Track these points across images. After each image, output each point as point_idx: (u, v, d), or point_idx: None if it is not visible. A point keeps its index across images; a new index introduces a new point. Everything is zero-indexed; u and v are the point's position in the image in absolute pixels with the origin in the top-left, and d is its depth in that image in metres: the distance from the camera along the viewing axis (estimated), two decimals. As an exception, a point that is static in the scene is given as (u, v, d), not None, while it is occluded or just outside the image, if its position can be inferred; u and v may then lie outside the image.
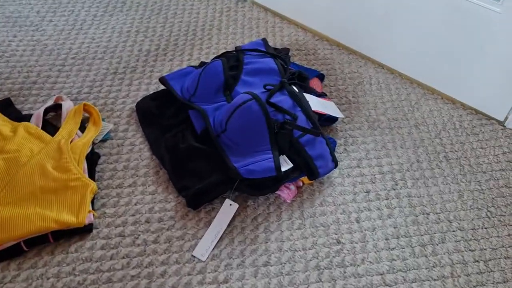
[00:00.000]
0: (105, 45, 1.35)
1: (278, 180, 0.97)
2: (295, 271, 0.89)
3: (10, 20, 1.42)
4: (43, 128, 1.06)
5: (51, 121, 1.11)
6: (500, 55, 1.10)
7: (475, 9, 1.07)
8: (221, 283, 0.87)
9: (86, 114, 1.12)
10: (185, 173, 1.00)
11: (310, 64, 1.32)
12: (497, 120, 1.19)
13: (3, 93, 1.20)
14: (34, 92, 1.21)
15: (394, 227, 0.97)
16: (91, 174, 1.01)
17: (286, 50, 1.28)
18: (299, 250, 0.92)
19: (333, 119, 1.15)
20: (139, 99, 1.18)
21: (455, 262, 0.92)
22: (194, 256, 0.90)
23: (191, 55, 1.33)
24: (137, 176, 1.03)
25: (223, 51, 1.35)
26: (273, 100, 1.02)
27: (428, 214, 0.99)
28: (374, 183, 1.04)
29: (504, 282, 0.89)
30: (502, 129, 1.18)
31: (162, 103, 1.15)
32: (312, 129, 0.99)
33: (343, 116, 1.15)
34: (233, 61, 1.16)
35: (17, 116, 1.11)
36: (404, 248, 0.94)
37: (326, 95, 1.19)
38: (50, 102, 1.12)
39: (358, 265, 0.90)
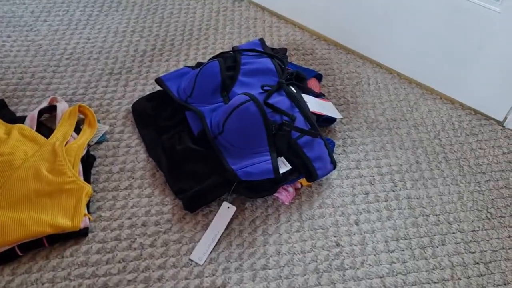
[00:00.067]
0: (100, 45, 1.34)
1: (276, 182, 0.95)
2: (293, 275, 0.88)
3: (4, 20, 1.40)
4: (38, 130, 1.05)
5: (46, 123, 1.10)
6: (500, 55, 1.09)
7: (474, 8, 1.06)
8: (219, 287, 0.86)
9: (81, 116, 1.10)
10: (182, 175, 0.99)
11: (307, 64, 1.31)
12: (496, 120, 1.18)
13: (-3, 94, 1.18)
14: (28, 93, 1.19)
15: (394, 229, 0.96)
16: (87, 177, 0.99)
17: (284, 50, 1.27)
18: (298, 253, 0.91)
19: (332, 120, 1.14)
20: (135, 100, 1.17)
21: (455, 265, 0.91)
22: (192, 260, 0.89)
23: (188, 55, 1.32)
24: (133, 178, 1.02)
25: (220, 51, 1.33)
26: (270, 101, 1.01)
27: (427, 215, 0.98)
28: (373, 184, 1.03)
29: (505, 284, 0.88)
30: (501, 129, 1.17)
31: (158, 104, 1.13)
32: (311, 130, 0.98)
33: (342, 117, 1.14)
34: (230, 61, 1.15)
35: (11, 118, 1.09)
36: (403, 250, 0.93)
37: (324, 95, 1.18)
38: (44, 104, 1.10)
39: (357, 268, 0.89)
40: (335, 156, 1.08)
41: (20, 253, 0.87)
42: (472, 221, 0.98)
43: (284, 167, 0.96)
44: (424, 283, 0.88)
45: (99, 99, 1.18)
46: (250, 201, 0.99)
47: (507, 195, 1.03)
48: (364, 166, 1.07)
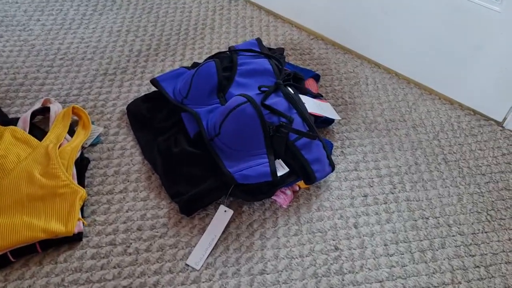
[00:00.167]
0: (94, 45, 1.32)
1: (273, 185, 0.94)
2: (292, 279, 0.86)
3: (-4, 20, 1.38)
4: (31, 132, 1.03)
5: (39, 125, 1.08)
6: (499, 55, 1.07)
7: (474, 8, 1.05)
8: (216, 292, 0.84)
9: (75, 117, 1.09)
10: (178, 178, 0.97)
11: (305, 64, 1.29)
12: (495, 121, 1.17)
13: (-11, 95, 1.16)
14: (21, 95, 1.17)
15: (393, 232, 0.94)
16: (81, 180, 0.97)
17: (281, 50, 1.25)
18: (296, 257, 0.90)
19: (330, 121, 1.12)
20: (130, 101, 1.15)
21: (456, 268, 0.90)
22: (188, 265, 0.87)
23: (184, 55, 1.30)
24: (128, 181, 1.00)
25: (216, 51, 1.31)
26: (268, 102, 1.00)
27: (427, 218, 0.97)
28: (372, 186, 1.02)
29: (506, 288, 0.88)
30: (501, 130, 1.16)
31: (154, 106, 1.12)
32: (309, 132, 0.97)
33: (340, 118, 1.12)
34: (226, 62, 1.13)
35: (3, 120, 1.07)
36: (403, 254, 0.91)
37: (322, 96, 1.17)
38: (37, 105, 1.08)
39: (356, 272, 0.88)
40: (333, 158, 1.06)
41: (12, 259, 0.86)
42: (472, 224, 0.97)
43: (281, 169, 0.95)
44: (424, 287, 0.87)
45: (93, 100, 1.16)
46: (248, 205, 0.97)
47: (507, 197, 1.02)
48: (363, 168, 1.06)
